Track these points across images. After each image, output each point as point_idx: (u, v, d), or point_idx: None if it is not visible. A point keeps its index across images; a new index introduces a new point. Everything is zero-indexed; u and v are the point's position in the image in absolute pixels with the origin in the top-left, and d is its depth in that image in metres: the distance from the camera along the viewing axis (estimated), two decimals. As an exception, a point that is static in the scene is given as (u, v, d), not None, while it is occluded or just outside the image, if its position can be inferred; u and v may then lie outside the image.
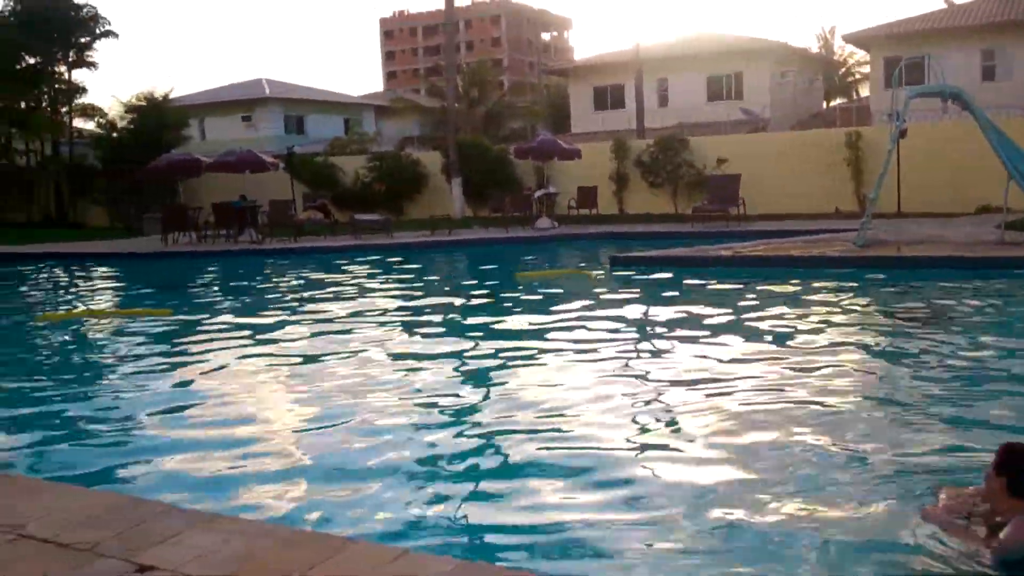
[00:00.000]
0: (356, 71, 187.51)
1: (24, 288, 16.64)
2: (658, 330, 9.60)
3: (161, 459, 5.40)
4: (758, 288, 11.88)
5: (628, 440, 5.51)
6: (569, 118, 44.35)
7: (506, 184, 26.37)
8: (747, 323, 9.31)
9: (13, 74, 30.12)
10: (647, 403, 6.36)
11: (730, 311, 10.11)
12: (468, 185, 26.97)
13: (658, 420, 5.95)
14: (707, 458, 5.09)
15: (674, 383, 6.89)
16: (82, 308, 13.27)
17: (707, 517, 4.16)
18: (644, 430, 5.73)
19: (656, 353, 8.40)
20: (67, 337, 10.54)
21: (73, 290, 16.47)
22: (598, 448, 5.33)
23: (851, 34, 39.05)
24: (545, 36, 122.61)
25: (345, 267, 17.26)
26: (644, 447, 5.40)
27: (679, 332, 9.18)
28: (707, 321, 9.47)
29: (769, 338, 8.56)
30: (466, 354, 8.60)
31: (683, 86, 39.85)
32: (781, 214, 22.28)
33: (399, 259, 18.64)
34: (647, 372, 7.45)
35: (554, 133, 37.50)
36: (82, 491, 4.10)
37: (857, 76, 58.40)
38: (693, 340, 8.61)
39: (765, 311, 10.06)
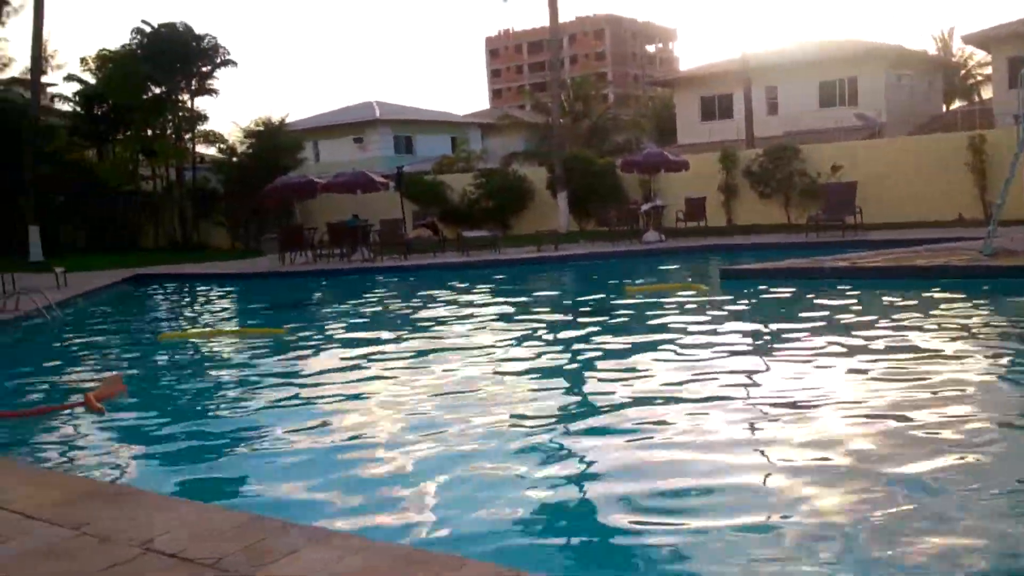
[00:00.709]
0: (462, 90, 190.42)
1: (148, 308, 17.47)
2: (772, 344, 9.34)
3: (281, 476, 5.55)
4: (878, 301, 11.43)
5: (742, 457, 5.37)
6: (675, 129, 43.90)
7: (612, 197, 26.27)
8: (866, 337, 8.95)
9: (141, 104, 31.81)
10: (760, 419, 6.18)
11: (848, 325, 9.76)
12: (574, 199, 26.98)
13: (774, 438, 5.77)
14: (823, 478, 4.91)
15: (788, 401, 6.67)
16: (201, 328, 13.86)
17: (823, 541, 4.01)
18: (758, 446, 5.58)
19: (769, 368, 8.16)
20: (188, 356, 10.99)
21: (194, 310, 17.18)
22: (710, 463, 5.21)
23: (971, 35, 37.35)
24: (650, 48, 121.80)
25: (454, 283, 17.48)
26: (757, 466, 5.25)
27: (794, 346, 8.91)
28: (824, 335, 9.14)
29: (890, 353, 8.20)
30: (575, 369, 8.57)
31: (793, 93, 38.91)
32: (901, 222, 21.43)
33: (507, 275, 18.76)
34: (759, 387, 7.26)
35: (660, 145, 37.14)
36: (206, 507, 4.24)
37: (978, 78, 56.01)
38: (809, 355, 8.32)
39: (886, 325, 9.67)
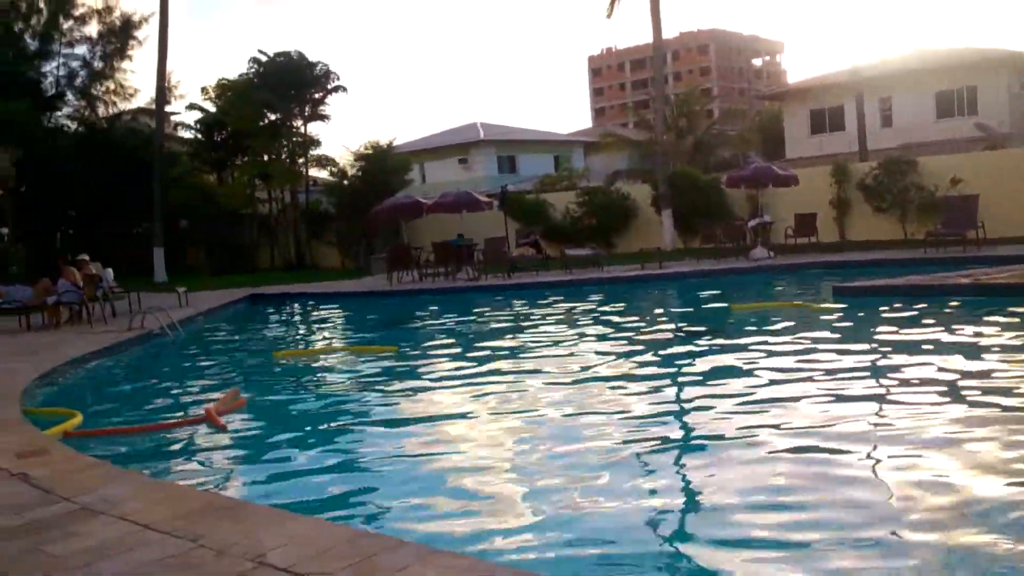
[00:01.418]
0: (565, 110, 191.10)
1: (264, 326, 18.08)
2: (889, 366, 8.95)
3: (391, 492, 5.64)
4: (1005, 320, 10.86)
5: (864, 478, 5.17)
6: (783, 144, 42.94)
7: (717, 214, 25.83)
8: (994, 359, 8.51)
9: (258, 130, 33.15)
10: (879, 445, 5.94)
11: (973, 346, 9.29)
12: (679, 216, 26.67)
13: (899, 465, 5.53)
14: (953, 502, 4.68)
15: (908, 427, 6.39)
16: (314, 345, 14.26)
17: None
18: (879, 469, 5.36)
19: (887, 391, 7.83)
20: (301, 373, 11.30)
21: (307, 328, 17.69)
22: (832, 483, 5.04)
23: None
24: (756, 62, 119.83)
25: (558, 302, 17.48)
26: (879, 487, 5.04)
27: (914, 370, 8.52)
28: (947, 357, 8.72)
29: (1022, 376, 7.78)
30: (682, 389, 8.44)
31: (909, 104, 37.53)
32: (1027, 237, 20.39)
33: (611, 293, 18.64)
34: (875, 412, 6.97)
35: (767, 160, 36.37)
36: (318, 522, 4.34)
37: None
38: (931, 379, 7.95)
39: (1014, 345, 9.16)
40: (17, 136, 26.22)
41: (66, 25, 34.14)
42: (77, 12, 33.73)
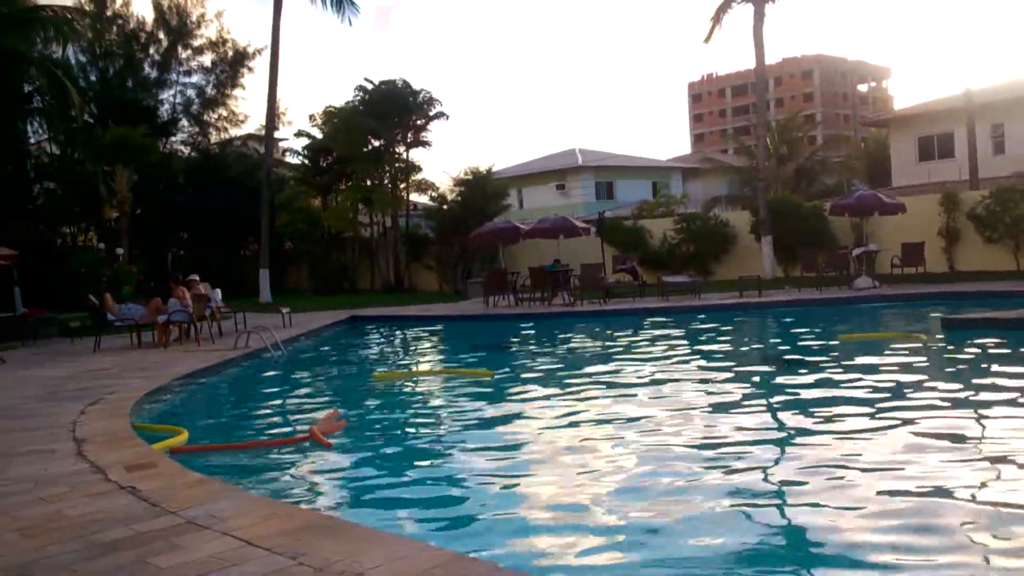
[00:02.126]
0: (664, 135, 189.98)
1: (364, 347, 18.49)
2: (1000, 401, 8.61)
3: (486, 517, 5.73)
4: None
5: (970, 520, 5.00)
6: (889, 171, 41.64)
7: (820, 242, 25.27)
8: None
9: (362, 156, 34.06)
10: (989, 486, 5.72)
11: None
12: (779, 244, 26.17)
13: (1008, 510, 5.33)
14: None
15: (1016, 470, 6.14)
16: (413, 367, 14.52)
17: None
18: (986, 517, 5.17)
19: (997, 428, 7.53)
20: (400, 394, 11.54)
21: (405, 350, 18.01)
22: (935, 524, 4.89)
23: None
24: (862, 88, 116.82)
25: (655, 329, 17.35)
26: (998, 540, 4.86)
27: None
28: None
29: None
30: (784, 421, 8.29)
31: (1022, 131, 35.94)
32: None
33: (709, 320, 18.41)
34: (986, 450, 6.71)
35: (872, 187, 35.41)
36: (417, 545, 4.44)
37: None
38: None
39: None
40: (135, 160, 27.59)
41: (184, 55, 35.90)
42: (196, 43, 35.46)
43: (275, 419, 9.94)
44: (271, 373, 13.90)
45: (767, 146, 35.45)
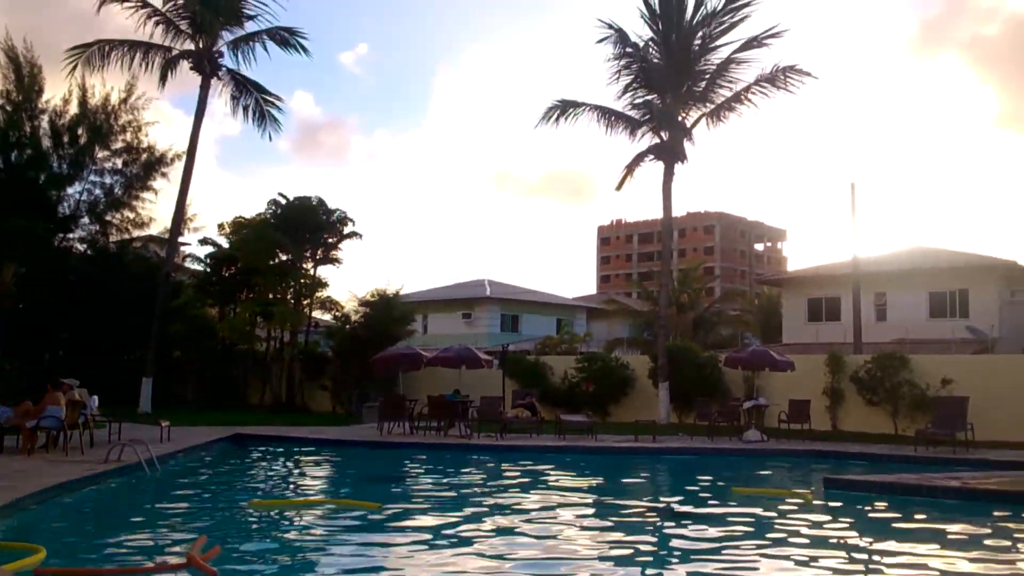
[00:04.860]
0: (571, 273, 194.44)
1: (244, 469, 17.75)
2: (875, 564, 8.78)
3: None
4: (992, 525, 10.72)
5: None
6: (780, 328, 43.46)
7: (714, 392, 25.91)
8: (975, 565, 8.36)
9: (268, 269, 33.63)
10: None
11: (961, 552, 9.14)
12: (675, 390, 26.69)
13: None
14: None
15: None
16: (294, 495, 13.97)
17: None
18: None
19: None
20: (278, 523, 11.06)
21: (289, 475, 17.38)
22: None
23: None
24: (759, 247, 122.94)
25: (549, 468, 17.26)
26: None
27: (897, 571, 8.36)
28: (936, 563, 8.57)
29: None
30: (662, 570, 8.25)
31: (903, 301, 38.24)
32: (1014, 442, 20.42)
33: (602, 462, 18.44)
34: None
35: (764, 342, 36.78)
36: None
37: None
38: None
39: (1001, 556, 9.01)
40: (24, 253, 26.51)
41: (100, 154, 35.16)
42: (115, 146, 34.77)
43: (145, 541, 9.37)
44: (142, 491, 13.20)
45: (670, 294, 36.60)
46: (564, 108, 28.98)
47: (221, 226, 36.23)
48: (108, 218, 35.59)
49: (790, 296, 43.32)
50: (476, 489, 14.92)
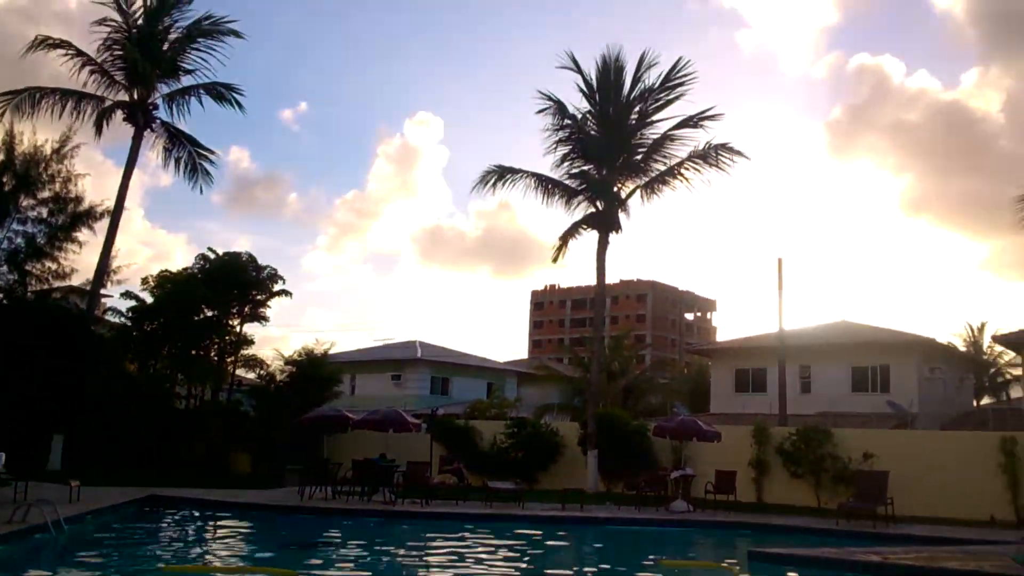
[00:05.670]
0: (503, 337, 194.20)
1: (157, 533, 17.02)
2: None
3: None
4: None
5: None
6: (709, 397, 43.94)
7: (642, 460, 25.87)
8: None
9: (192, 324, 32.82)
10: None
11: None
12: (603, 458, 26.61)
13: None
14: None
15: None
16: (209, 561, 13.43)
17: None
18: None
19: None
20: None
21: (204, 540, 16.73)
22: None
23: (1002, 335, 37.91)
24: (689, 316, 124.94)
25: (473, 537, 16.94)
26: None
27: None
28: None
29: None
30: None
31: (826, 374, 39.11)
32: (932, 517, 20.79)
33: (528, 532, 18.17)
34: None
35: (693, 411, 37.11)
36: None
37: (1008, 377, 56.39)
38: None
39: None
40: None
41: (25, 203, 34.12)
42: (42, 195, 33.78)
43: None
44: (46, 556, 12.54)
45: (601, 361, 36.74)
46: (502, 174, 29.22)
47: (145, 280, 35.32)
48: (28, 268, 34.45)
49: (718, 366, 43.91)
50: (395, 559, 14.55)
